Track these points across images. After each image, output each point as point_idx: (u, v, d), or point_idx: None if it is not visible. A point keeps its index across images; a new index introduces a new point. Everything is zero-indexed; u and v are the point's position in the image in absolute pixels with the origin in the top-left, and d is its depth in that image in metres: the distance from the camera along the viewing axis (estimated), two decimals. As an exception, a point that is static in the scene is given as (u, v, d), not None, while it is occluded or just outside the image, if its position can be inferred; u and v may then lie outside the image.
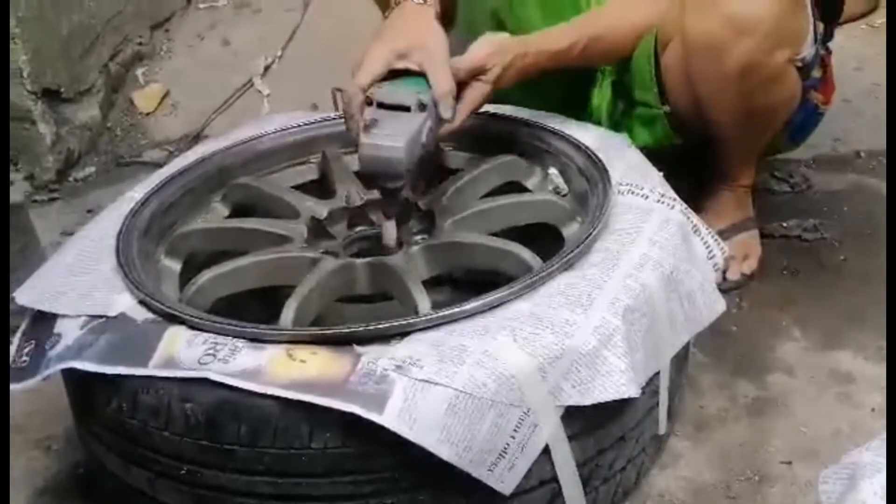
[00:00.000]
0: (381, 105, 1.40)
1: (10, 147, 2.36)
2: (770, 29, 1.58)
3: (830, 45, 1.80)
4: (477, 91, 1.49)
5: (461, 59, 1.48)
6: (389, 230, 1.47)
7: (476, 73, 1.49)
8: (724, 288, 1.73)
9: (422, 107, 1.40)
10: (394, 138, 1.37)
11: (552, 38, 1.60)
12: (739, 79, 1.62)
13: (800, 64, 1.68)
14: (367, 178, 1.47)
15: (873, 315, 1.69)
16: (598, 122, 1.83)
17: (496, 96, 1.57)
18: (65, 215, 2.28)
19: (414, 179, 1.49)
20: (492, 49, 1.50)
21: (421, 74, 1.43)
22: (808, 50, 1.68)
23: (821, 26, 1.71)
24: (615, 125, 1.81)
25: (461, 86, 1.47)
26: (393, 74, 1.44)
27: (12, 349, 1.37)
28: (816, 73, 1.76)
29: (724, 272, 1.77)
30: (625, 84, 1.78)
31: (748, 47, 1.59)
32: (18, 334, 1.39)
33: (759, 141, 1.80)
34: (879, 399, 1.53)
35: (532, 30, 1.65)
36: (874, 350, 1.64)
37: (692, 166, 1.79)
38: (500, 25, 1.76)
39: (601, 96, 1.83)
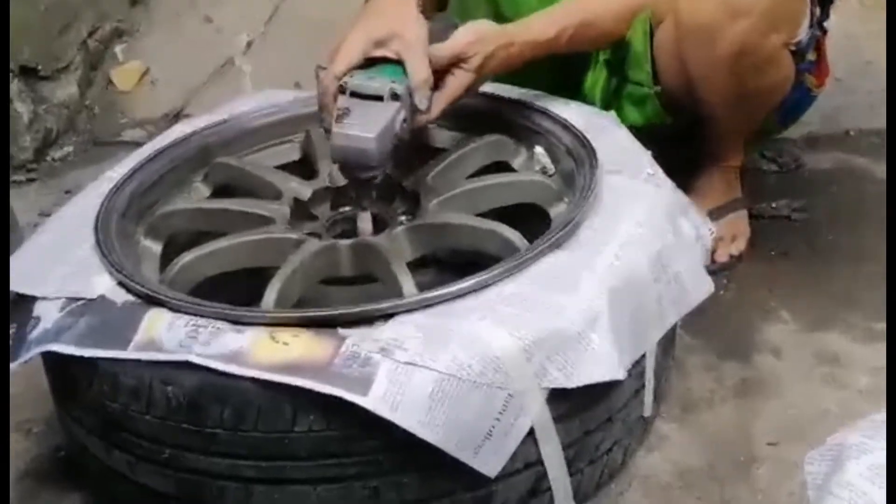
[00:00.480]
0: (354, 94, 1.38)
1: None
2: (765, 11, 1.57)
3: (826, 24, 1.78)
4: (457, 80, 1.46)
5: (441, 47, 1.44)
6: (364, 221, 1.45)
7: (457, 62, 1.45)
8: (713, 269, 1.71)
9: (395, 96, 1.37)
10: (365, 128, 1.35)
11: (539, 28, 1.56)
12: (732, 61, 1.60)
13: (794, 48, 1.66)
14: (340, 167, 1.45)
15: (862, 296, 1.69)
16: (591, 102, 1.81)
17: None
18: (43, 196, 2.26)
19: (388, 168, 1.45)
20: (474, 37, 1.47)
21: (398, 63, 1.41)
22: (803, 34, 1.67)
23: (818, 10, 1.70)
24: (606, 104, 1.79)
25: (442, 74, 1.45)
26: (370, 62, 1.42)
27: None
28: (811, 57, 1.75)
29: (713, 253, 1.76)
30: (618, 62, 1.76)
31: (742, 29, 1.57)
32: (-2, 317, 1.37)
33: (751, 122, 1.78)
34: (866, 380, 1.53)
35: (528, 12, 1.61)
36: (862, 331, 1.63)
37: (681, 146, 1.78)
38: (495, 7, 1.73)
39: (595, 77, 1.81)
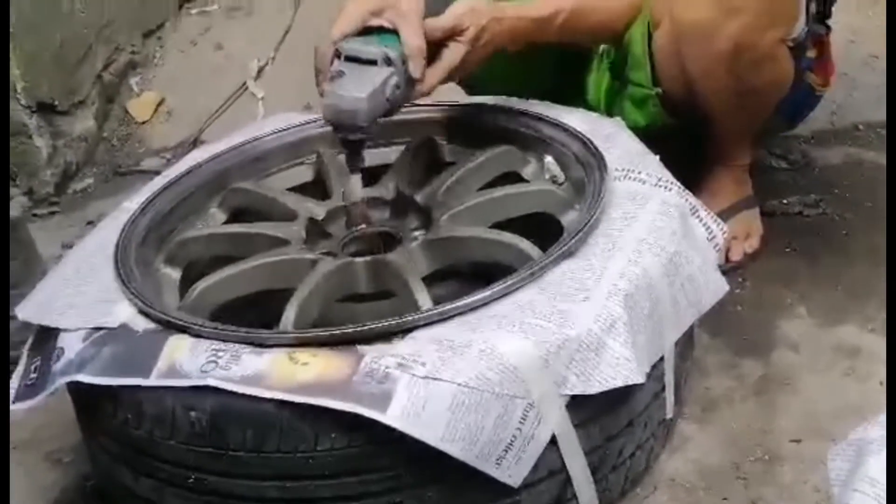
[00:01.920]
0: (348, 58, 1.40)
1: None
2: (761, 7, 1.57)
3: (829, 22, 1.78)
4: (452, 52, 1.47)
5: (436, 20, 1.46)
6: (354, 184, 1.46)
7: (452, 34, 1.47)
8: (727, 268, 1.73)
9: (388, 61, 1.40)
10: (356, 89, 1.37)
11: (533, 6, 1.58)
12: (730, 59, 1.61)
13: (791, 44, 1.66)
14: (333, 129, 1.46)
15: (878, 288, 1.68)
16: (596, 105, 1.82)
17: (488, 82, 1.55)
18: (65, 228, 2.29)
19: (376, 133, 1.47)
20: (467, 10, 1.49)
21: (394, 32, 1.43)
22: (800, 29, 1.66)
23: (813, 5, 1.69)
24: (610, 106, 1.80)
25: (438, 47, 1.47)
26: (366, 31, 1.44)
27: (20, 366, 1.37)
28: (811, 54, 1.75)
29: (727, 252, 1.77)
30: (620, 64, 1.77)
31: (738, 27, 1.57)
32: (25, 350, 1.39)
33: (753, 122, 1.78)
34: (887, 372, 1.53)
35: None
36: (880, 323, 1.63)
37: (689, 147, 1.78)
38: None
39: (598, 79, 1.82)
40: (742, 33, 1.58)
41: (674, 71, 1.68)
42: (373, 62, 1.39)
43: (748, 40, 1.59)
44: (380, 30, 1.43)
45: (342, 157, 1.64)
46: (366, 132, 1.40)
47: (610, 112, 1.79)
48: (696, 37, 1.62)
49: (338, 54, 1.41)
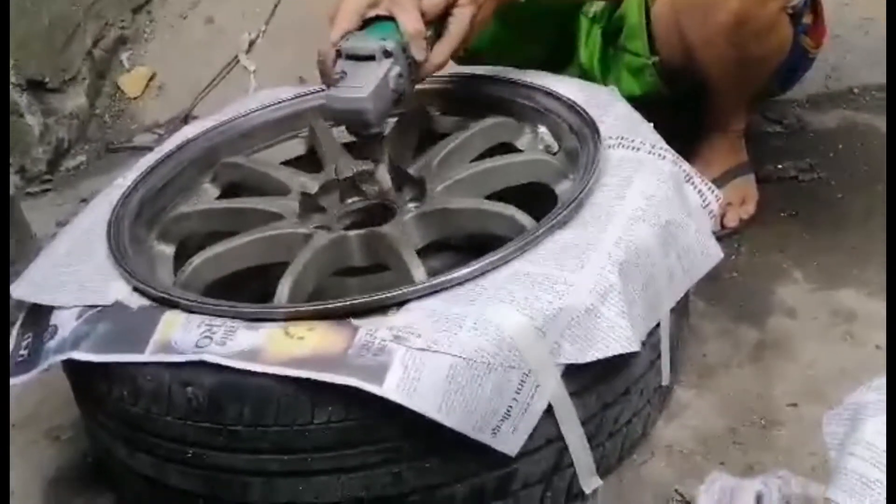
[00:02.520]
0: (349, 57, 1.40)
1: (-1, 140, 2.36)
2: None
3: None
4: (458, 19, 1.46)
5: None
6: (382, 174, 1.47)
7: (452, 3, 1.46)
8: (723, 234, 1.74)
9: (387, 54, 1.40)
10: (358, 89, 1.37)
11: None
12: (731, 30, 1.60)
13: (791, 11, 1.65)
14: (345, 128, 1.47)
15: (874, 251, 1.68)
16: (590, 72, 1.81)
17: (480, 52, 1.53)
18: (58, 206, 2.29)
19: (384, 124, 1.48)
20: None
21: (392, 19, 1.42)
22: None
23: None
24: (605, 73, 1.79)
25: (442, 20, 1.45)
26: (366, 23, 1.44)
27: (11, 343, 1.37)
28: (806, 19, 1.74)
29: (722, 218, 1.77)
30: (613, 32, 1.76)
31: None
32: (16, 327, 1.39)
33: (750, 88, 1.78)
34: (883, 336, 1.52)
35: None
36: (877, 286, 1.63)
37: (683, 114, 1.78)
38: None
39: (590, 49, 1.81)
40: (744, 4, 1.57)
41: (672, 40, 1.67)
42: (371, 57, 1.39)
43: (750, 12, 1.58)
44: (377, 19, 1.43)
45: (335, 131, 1.65)
46: (378, 126, 1.41)
47: (605, 79, 1.78)
48: (699, 9, 1.61)
49: (339, 54, 1.41)
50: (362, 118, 1.38)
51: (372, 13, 1.43)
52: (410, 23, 1.41)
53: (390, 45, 1.39)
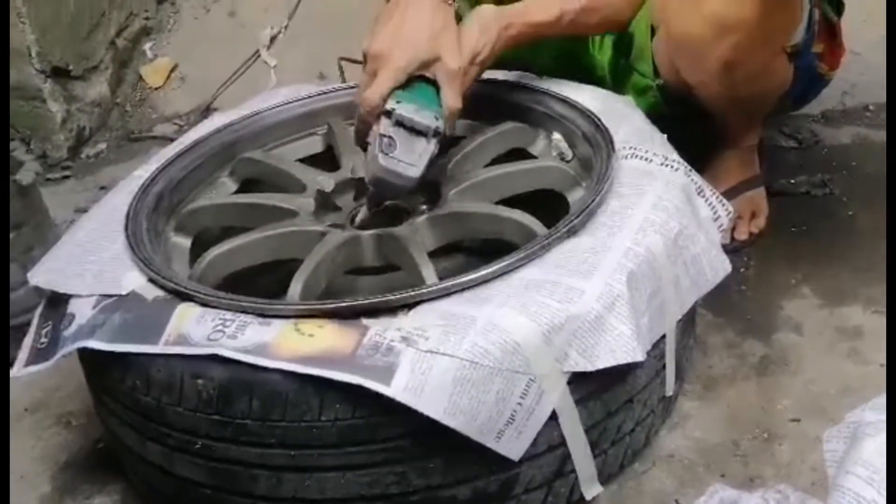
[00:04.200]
0: (399, 123, 1.41)
1: (22, 126, 2.38)
2: (754, 26, 1.53)
3: (840, 8, 1.78)
4: (466, 79, 1.47)
5: (462, 57, 1.45)
6: (364, 214, 1.49)
7: (472, 61, 1.48)
8: (733, 248, 1.74)
9: (436, 134, 1.42)
10: (411, 168, 1.41)
11: (538, 10, 1.57)
12: (722, 74, 1.60)
13: (791, 50, 1.65)
14: (373, 191, 1.47)
15: (882, 269, 1.67)
16: (602, 79, 1.82)
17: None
18: (78, 193, 2.31)
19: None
20: (479, 31, 1.48)
21: (434, 84, 1.44)
22: (799, 37, 1.64)
23: (816, 12, 1.67)
24: (617, 82, 1.80)
25: None
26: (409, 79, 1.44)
27: (32, 330, 1.39)
28: (817, 48, 1.73)
29: (732, 231, 1.78)
30: (624, 45, 1.77)
31: (730, 45, 1.55)
32: (36, 316, 1.41)
33: (754, 118, 1.78)
34: (889, 354, 1.54)
35: None
36: (884, 304, 1.63)
37: (697, 126, 1.78)
38: None
39: (601, 58, 1.82)
40: (734, 52, 1.56)
41: (671, 72, 1.68)
42: (423, 133, 1.41)
43: (740, 58, 1.57)
44: (420, 78, 1.44)
45: (352, 130, 1.66)
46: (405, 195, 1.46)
47: (616, 89, 1.80)
48: (689, 52, 1.61)
49: (387, 114, 1.41)
50: (404, 190, 1.43)
51: (418, 73, 1.43)
52: (454, 102, 1.43)
53: (441, 125, 1.42)
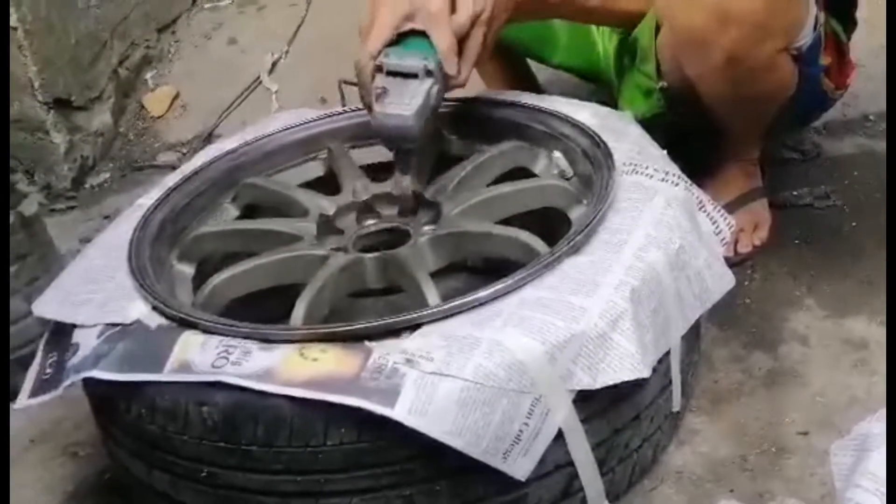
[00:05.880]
0: (389, 73, 1.44)
1: (25, 158, 2.39)
2: (759, 20, 1.55)
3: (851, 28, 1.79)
4: (475, 39, 1.49)
5: (459, 14, 1.47)
6: (404, 183, 1.50)
7: (475, 19, 1.49)
8: (736, 261, 1.74)
9: (428, 73, 1.44)
10: (404, 107, 1.42)
11: None
12: (726, 68, 1.60)
13: (795, 52, 1.65)
14: (383, 142, 1.52)
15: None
16: (606, 72, 1.83)
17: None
18: (82, 223, 2.32)
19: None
20: None
21: (425, 34, 1.46)
22: (805, 38, 1.65)
23: (822, 15, 1.67)
24: (620, 76, 1.82)
25: (465, 38, 1.48)
26: (399, 37, 1.47)
27: (37, 361, 1.40)
28: (824, 61, 1.73)
29: (735, 244, 1.78)
30: (630, 46, 1.78)
31: (734, 38, 1.56)
32: (41, 346, 1.41)
33: (755, 123, 1.78)
34: (896, 365, 1.53)
35: None
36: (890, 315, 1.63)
37: (696, 139, 1.79)
38: None
39: (606, 45, 1.84)
40: (737, 45, 1.57)
41: (675, 71, 1.69)
42: (414, 75, 1.43)
43: (743, 52, 1.58)
44: (411, 33, 1.46)
45: (353, 153, 1.67)
46: (416, 142, 1.46)
47: (619, 83, 1.82)
48: (693, 45, 1.62)
49: (379, 69, 1.45)
50: (407, 135, 1.44)
51: (406, 27, 1.46)
52: (445, 40, 1.45)
53: (431, 63, 1.44)
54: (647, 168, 1.46)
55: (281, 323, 1.35)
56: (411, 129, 1.43)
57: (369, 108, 1.47)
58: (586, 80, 2.01)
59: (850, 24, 1.79)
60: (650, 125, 1.58)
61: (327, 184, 1.68)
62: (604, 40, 1.88)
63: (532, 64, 2.01)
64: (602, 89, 1.97)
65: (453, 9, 1.46)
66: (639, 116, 1.64)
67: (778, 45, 1.62)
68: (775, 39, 1.60)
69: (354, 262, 1.44)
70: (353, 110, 1.71)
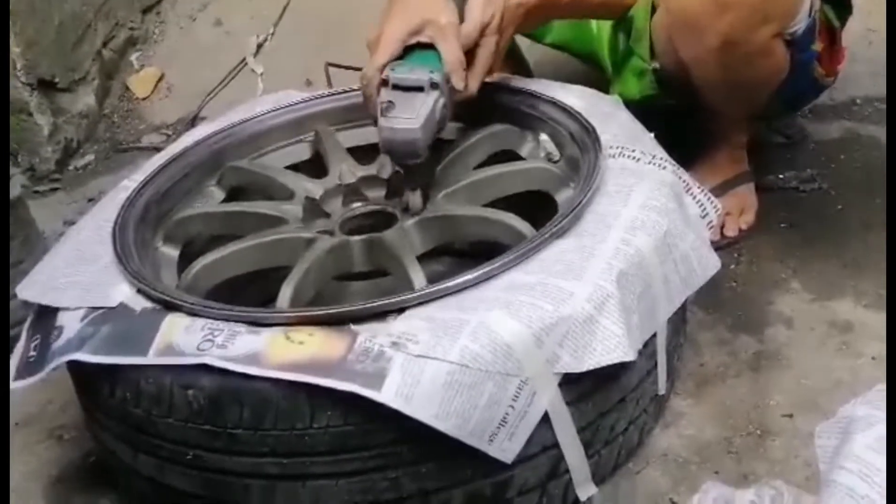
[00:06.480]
0: (395, 86, 1.43)
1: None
2: (755, 5, 1.55)
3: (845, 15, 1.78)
4: (485, 49, 1.50)
5: (466, 25, 1.48)
6: (414, 199, 1.49)
7: (483, 31, 1.49)
8: (722, 244, 1.75)
9: (434, 85, 1.43)
10: (410, 121, 1.41)
11: None
12: (720, 53, 1.60)
13: (789, 37, 1.65)
14: (390, 157, 1.50)
15: (872, 263, 1.69)
16: (599, 51, 1.83)
17: None
18: (66, 205, 2.31)
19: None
20: (484, 1, 1.49)
21: (433, 48, 1.46)
22: (799, 24, 1.64)
23: (817, 1, 1.67)
24: (615, 62, 1.81)
25: (474, 49, 1.49)
26: (408, 50, 1.47)
27: (21, 343, 1.39)
28: (816, 47, 1.72)
29: (721, 228, 1.78)
30: (625, 28, 1.78)
31: (729, 22, 1.56)
32: (25, 329, 1.40)
33: (747, 109, 1.78)
34: (879, 347, 1.53)
35: None
36: (874, 298, 1.64)
37: (683, 123, 1.79)
38: None
39: (602, 24, 1.84)
40: (733, 29, 1.56)
41: (669, 53, 1.68)
42: (419, 88, 1.42)
43: (739, 36, 1.58)
44: (418, 46, 1.46)
45: (340, 136, 1.67)
46: (424, 156, 1.45)
47: (612, 63, 1.82)
48: (688, 29, 1.61)
49: (384, 82, 1.44)
50: (413, 148, 1.42)
51: (413, 40, 1.45)
52: (452, 53, 1.44)
53: (437, 76, 1.43)
54: (634, 151, 1.46)
55: (267, 306, 1.34)
56: (416, 142, 1.41)
57: (375, 121, 1.46)
58: (579, 58, 2.00)
59: (845, 9, 1.79)
60: (641, 107, 1.58)
61: (314, 166, 1.67)
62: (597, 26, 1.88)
63: (524, 43, 2.00)
64: (594, 69, 1.96)
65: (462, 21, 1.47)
66: (630, 97, 1.64)
67: (773, 30, 1.61)
68: (771, 24, 1.60)
69: (341, 244, 1.44)
70: (340, 92, 1.71)
